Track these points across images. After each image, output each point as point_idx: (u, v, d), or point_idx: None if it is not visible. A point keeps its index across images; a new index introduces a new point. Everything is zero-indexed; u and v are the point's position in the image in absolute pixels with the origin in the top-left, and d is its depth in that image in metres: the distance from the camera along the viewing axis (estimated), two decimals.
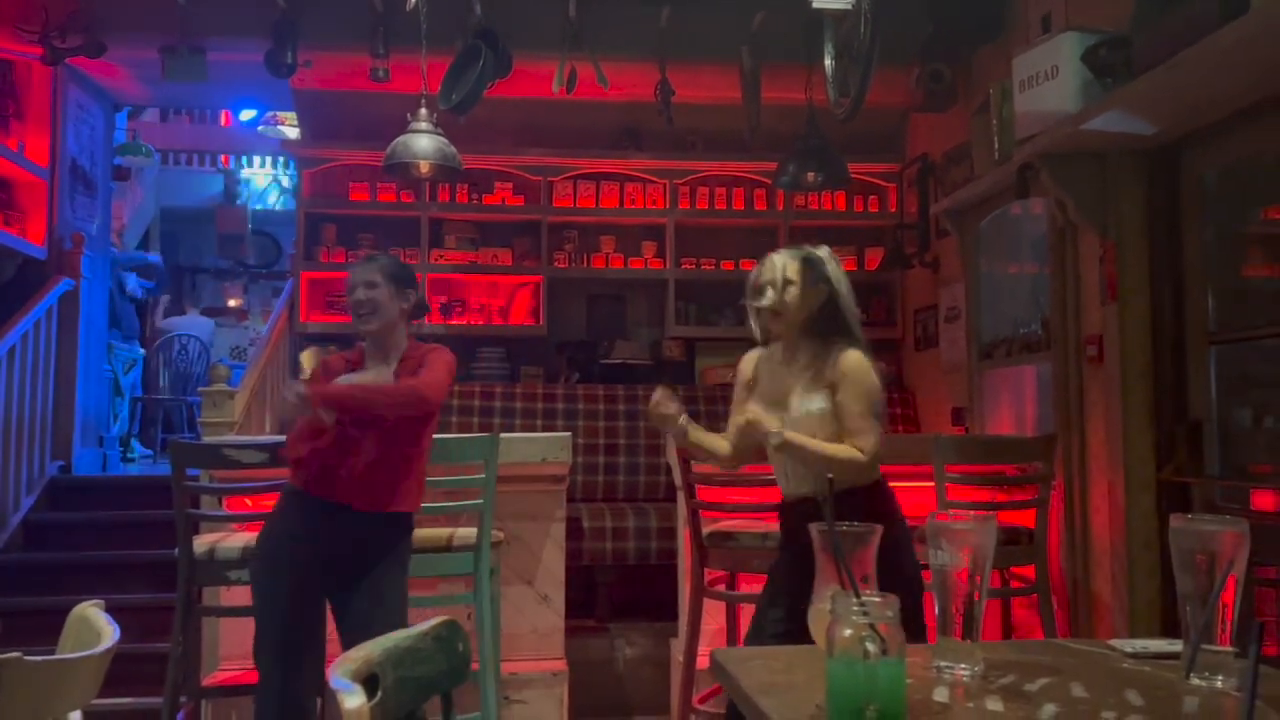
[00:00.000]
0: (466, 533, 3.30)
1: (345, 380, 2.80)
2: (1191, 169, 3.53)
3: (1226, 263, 3.50)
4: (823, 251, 2.61)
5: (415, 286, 2.98)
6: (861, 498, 2.48)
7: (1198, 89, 3.02)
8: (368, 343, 2.95)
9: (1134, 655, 1.60)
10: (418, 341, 2.97)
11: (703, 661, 3.37)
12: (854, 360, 2.51)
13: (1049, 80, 3.52)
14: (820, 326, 2.56)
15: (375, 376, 2.85)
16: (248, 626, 3.82)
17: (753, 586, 3.29)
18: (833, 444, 2.49)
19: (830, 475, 2.65)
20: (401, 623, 2.69)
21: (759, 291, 2.58)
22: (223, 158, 11.75)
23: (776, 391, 2.60)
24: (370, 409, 2.74)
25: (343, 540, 2.80)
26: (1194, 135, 3.42)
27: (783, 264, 2.57)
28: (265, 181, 11.92)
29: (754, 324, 2.66)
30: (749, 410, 2.57)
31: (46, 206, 5.67)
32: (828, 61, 4.16)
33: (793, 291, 2.54)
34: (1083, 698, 1.36)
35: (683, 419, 2.62)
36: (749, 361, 2.74)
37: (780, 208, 6.11)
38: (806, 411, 2.52)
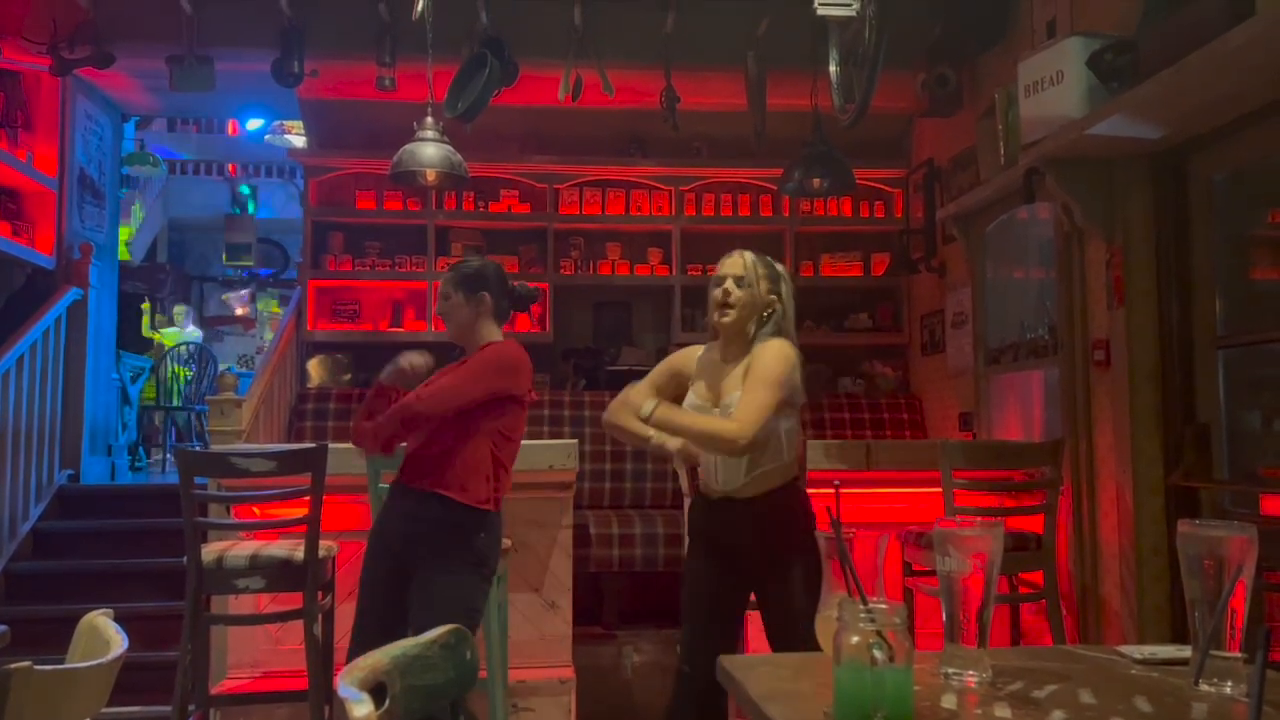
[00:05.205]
0: None
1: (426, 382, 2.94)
2: (1199, 173, 3.52)
3: (1234, 266, 3.49)
4: (782, 270, 2.73)
5: (490, 288, 2.98)
6: (779, 497, 2.60)
7: (1204, 92, 3.01)
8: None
9: (1142, 661, 1.59)
10: (493, 341, 2.97)
11: None
12: (771, 345, 2.59)
13: (1054, 85, 3.51)
14: (761, 331, 2.65)
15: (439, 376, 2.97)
16: (256, 634, 3.86)
17: None
18: (705, 417, 2.56)
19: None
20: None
21: (719, 281, 2.68)
22: (230, 167, 11.80)
23: (714, 389, 2.67)
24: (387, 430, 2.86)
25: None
26: (1201, 139, 3.41)
27: (751, 264, 2.67)
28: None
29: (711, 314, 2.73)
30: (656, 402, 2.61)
31: (55, 216, 5.71)
32: (833, 67, 4.16)
33: (749, 293, 2.64)
34: (1091, 704, 1.35)
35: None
36: (689, 356, 2.80)
37: (786, 214, 6.11)
38: (735, 404, 2.57)
